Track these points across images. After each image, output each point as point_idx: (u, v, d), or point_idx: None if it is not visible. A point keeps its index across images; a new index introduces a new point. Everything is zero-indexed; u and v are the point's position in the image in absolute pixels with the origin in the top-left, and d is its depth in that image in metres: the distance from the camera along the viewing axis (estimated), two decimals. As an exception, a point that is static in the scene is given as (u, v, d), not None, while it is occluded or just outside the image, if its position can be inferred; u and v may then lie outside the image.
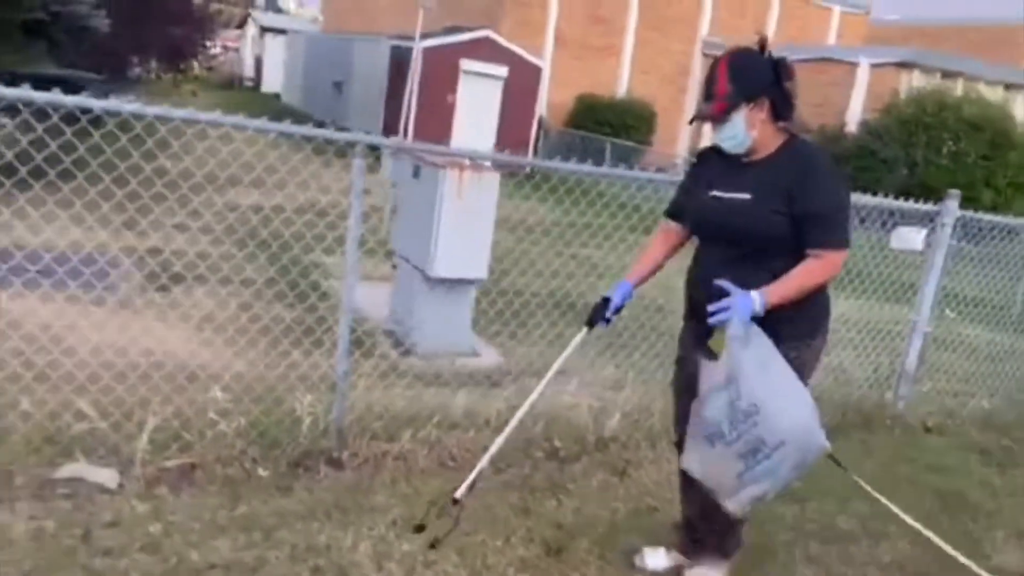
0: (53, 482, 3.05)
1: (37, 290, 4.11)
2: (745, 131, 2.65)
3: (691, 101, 25.12)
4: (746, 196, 2.67)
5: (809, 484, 3.90)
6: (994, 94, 18.87)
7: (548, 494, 3.55)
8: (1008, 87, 19.84)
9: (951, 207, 4.95)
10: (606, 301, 2.97)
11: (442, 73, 17.79)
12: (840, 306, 5.95)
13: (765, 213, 2.63)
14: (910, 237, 6.81)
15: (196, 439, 3.33)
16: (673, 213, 3.02)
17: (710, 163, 2.86)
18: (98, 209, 3.75)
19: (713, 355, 2.59)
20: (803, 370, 2.65)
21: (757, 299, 2.56)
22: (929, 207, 4.99)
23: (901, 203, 5.16)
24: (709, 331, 2.63)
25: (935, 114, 17.23)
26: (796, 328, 2.66)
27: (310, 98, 24.60)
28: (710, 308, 2.58)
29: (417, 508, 3.21)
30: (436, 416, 3.84)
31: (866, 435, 4.82)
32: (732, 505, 2.60)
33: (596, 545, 3.18)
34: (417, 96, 18.55)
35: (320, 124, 3.28)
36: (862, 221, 5.20)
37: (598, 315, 2.97)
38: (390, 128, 17.60)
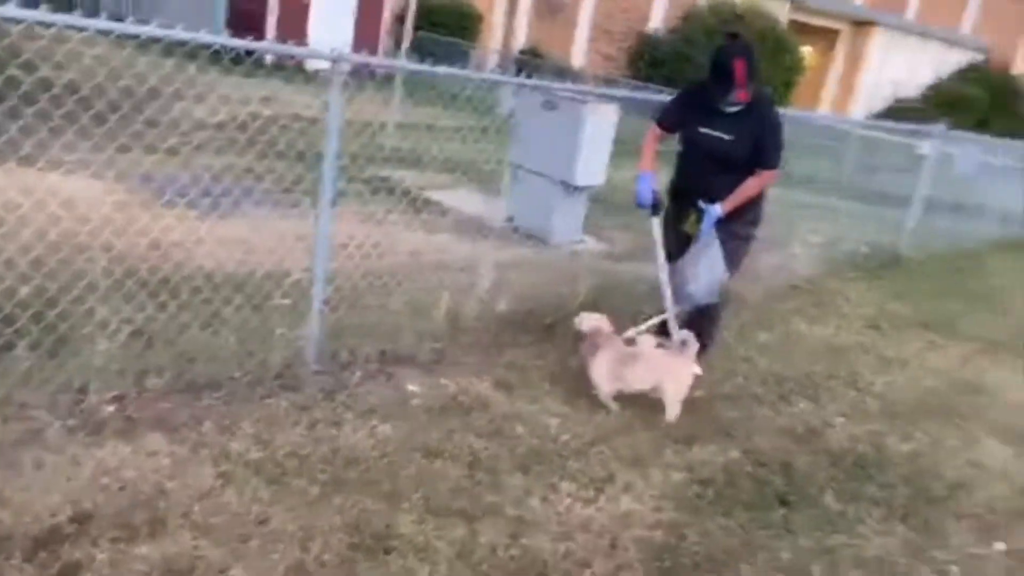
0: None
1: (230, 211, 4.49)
2: (743, 98, 3.80)
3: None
4: (727, 137, 3.88)
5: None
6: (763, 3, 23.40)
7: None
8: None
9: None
10: (653, 194, 4.11)
11: (297, -29, 18.15)
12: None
13: (738, 149, 3.87)
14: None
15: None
16: (660, 122, 4.19)
17: (696, 101, 3.99)
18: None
19: (684, 232, 4.13)
20: (747, 231, 4.10)
21: (718, 210, 3.93)
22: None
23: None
24: (686, 211, 4.10)
25: (729, 23, 21.31)
26: (747, 217, 4.06)
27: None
28: (702, 227, 3.97)
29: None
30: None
31: (905, 267, 8.01)
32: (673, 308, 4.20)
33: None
34: (273, -6, 18.79)
35: (116, 16, 2.91)
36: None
37: (656, 206, 4.15)
38: (242, 25, 17.76)
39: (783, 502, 3.27)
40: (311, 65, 15.06)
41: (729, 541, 2.95)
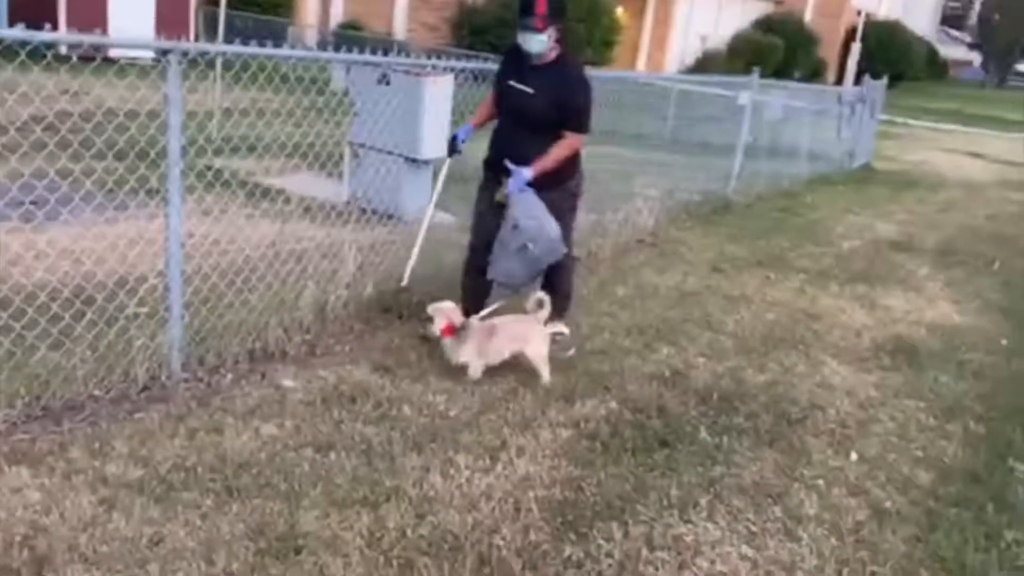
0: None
1: (59, 219, 4.25)
2: (547, 43, 3.77)
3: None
4: (529, 90, 3.85)
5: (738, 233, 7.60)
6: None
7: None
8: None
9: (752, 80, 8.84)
10: (455, 137, 4.26)
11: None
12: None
13: (538, 104, 3.83)
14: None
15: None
16: (494, 86, 4.22)
17: (511, 60, 4.01)
18: None
19: (500, 203, 3.97)
20: (571, 202, 4.13)
21: (527, 172, 3.83)
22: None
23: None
24: (498, 182, 4.01)
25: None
26: (559, 179, 3.98)
27: None
28: (508, 188, 3.86)
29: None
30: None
31: (734, 211, 8.63)
32: (508, 282, 4.11)
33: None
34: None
35: None
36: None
37: (452, 148, 4.27)
38: (29, 15, 16.43)
39: (664, 443, 3.47)
40: (119, 54, 14.03)
41: (622, 487, 3.10)
